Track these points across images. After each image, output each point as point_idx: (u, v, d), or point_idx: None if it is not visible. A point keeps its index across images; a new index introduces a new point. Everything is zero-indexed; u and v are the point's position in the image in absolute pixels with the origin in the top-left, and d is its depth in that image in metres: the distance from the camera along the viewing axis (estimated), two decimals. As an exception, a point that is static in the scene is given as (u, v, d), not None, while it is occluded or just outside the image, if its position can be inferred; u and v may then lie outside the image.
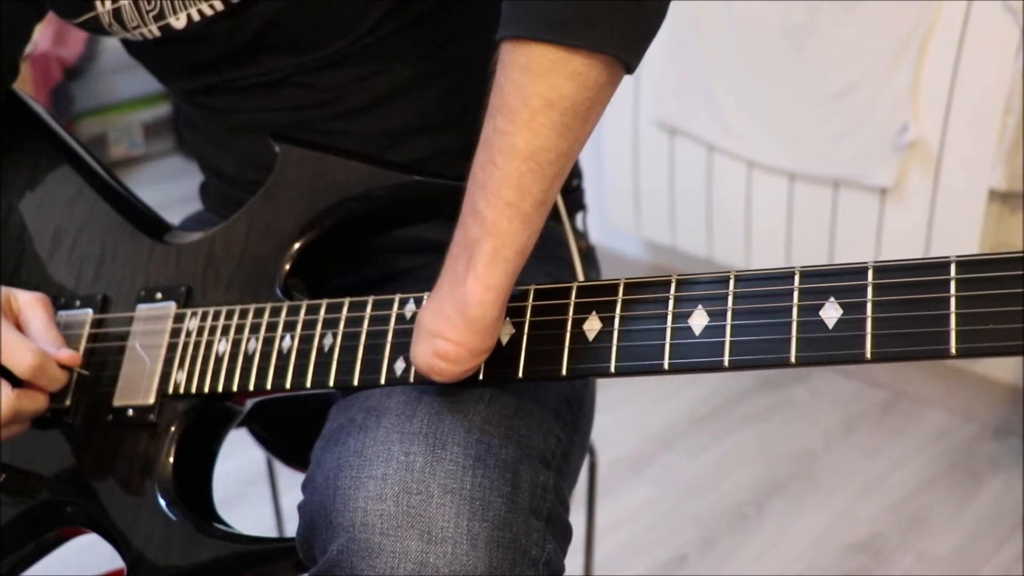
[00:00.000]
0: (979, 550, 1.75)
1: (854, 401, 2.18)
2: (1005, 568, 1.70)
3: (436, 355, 0.69)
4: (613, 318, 0.69)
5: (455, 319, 0.68)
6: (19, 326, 0.85)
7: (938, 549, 1.75)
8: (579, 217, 1.11)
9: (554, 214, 1.01)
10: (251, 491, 1.88)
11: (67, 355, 0.84)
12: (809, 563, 1.74)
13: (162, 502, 0.83)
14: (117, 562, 0.85)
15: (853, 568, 1.72)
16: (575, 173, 1.10)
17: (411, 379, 0.75)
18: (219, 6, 0.86)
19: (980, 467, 1.96)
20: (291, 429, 1.16)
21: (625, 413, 2.13)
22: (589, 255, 1.10)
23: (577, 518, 0.79)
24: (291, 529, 0.78)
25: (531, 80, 0.66)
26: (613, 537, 1.80)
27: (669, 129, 2.21)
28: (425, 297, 0.77)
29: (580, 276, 1.00)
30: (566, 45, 0.65)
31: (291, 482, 1.23)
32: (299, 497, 0.77)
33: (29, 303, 0.86)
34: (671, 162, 2.24)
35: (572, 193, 1.09)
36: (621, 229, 2.43)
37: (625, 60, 0.68)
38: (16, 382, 0.81)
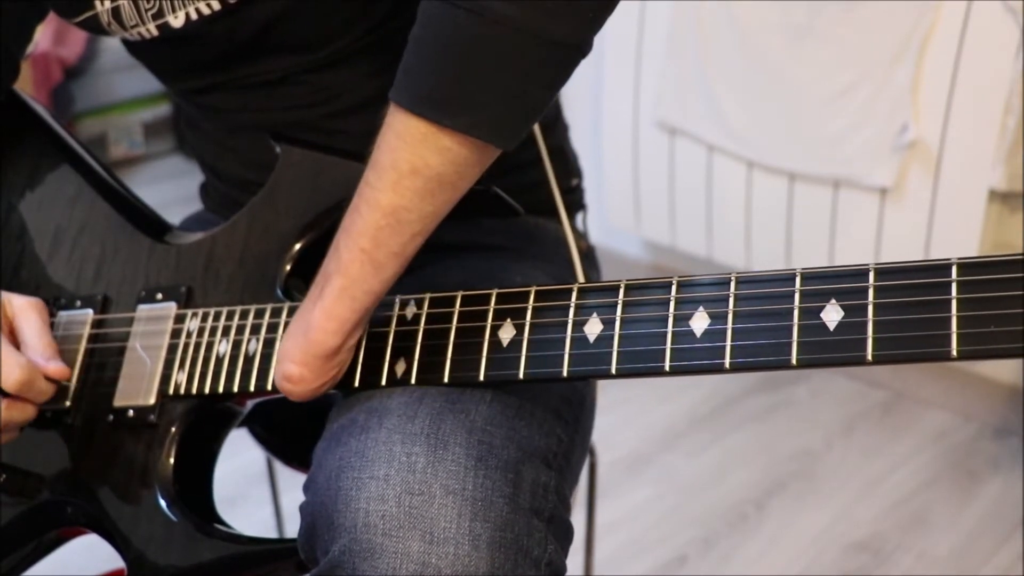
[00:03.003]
0: (979, 550, 1.75)
1: (854, 401, 2.18)
2: (1005, 568, 1.70)
3: (283, 377, 0.75)
4: (614, 320, 0.69)
5: (300, 341, 0.74)
6: (13, 331, 0.85)
7: (938, 549, 1.75)
8: (579, 217, 1.11)
9: (554, 214, 1.02)
10: (251, 491, 1.88)
11: (55, 368, 0.83)
12: (809, 563, 1.74)
13: (163, 503, 0.83)
14: (117, 562, 0.85)
15: (853, 568, 1.72)
16: (575, 173, 1.10)
17: (412, 380, 0.75)
18: (216, 5, 0.86)
19: (980, 467, 1.96)
20: (291, 429, 1.15)
21: (625, 413, 2.13)
22: (589, 255, 1.10)
23: (577, 518, 0.79)
24: (291, 529, 0.78)
25: (402, 146, 0.70)
26: (613, 537, 1.80)
27: (669, 129, 2.21)
28: (427, 298, 0.77)
29: (580, 276, 1.00)
30: (439, 124, 0.68)
31: (291, 482, 1.23)
32: (299, 498, 0.77)
33: (23, 309, 0.85)
34: (671, 162, 2.24)
35: (572, 193, 1.09)
36: (621, 229, 2.43)
37: (496, 145, 0.70)
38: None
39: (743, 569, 1.74)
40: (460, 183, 0.72)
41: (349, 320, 0.73)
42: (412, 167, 0.69)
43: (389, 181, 0.70)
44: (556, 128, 1.07)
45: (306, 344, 0.73)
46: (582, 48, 0.70)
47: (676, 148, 2.22)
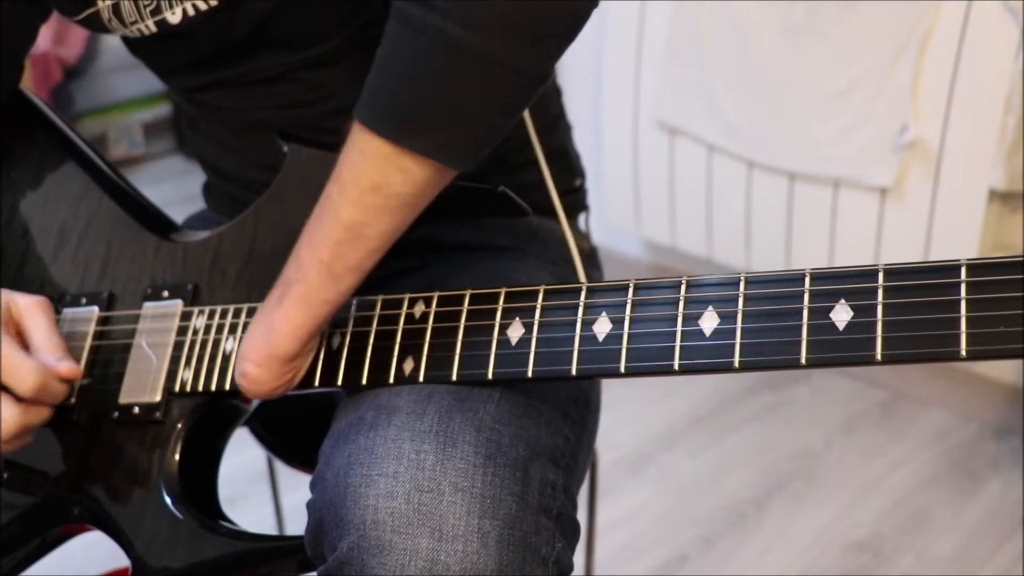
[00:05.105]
0: (979, 550, 1.75)
1: (854, 401, 2.18)
2: (1005, 568, 1.70)
3: (241, 374, 0.78)
4: (623, 319, 0.69)
5: (260, 342, 0.76)
6: (20, 333, 0.84)
7: (938, 549, 1.76)
8: (582, 218, 1.11)
9: (553, 215, 1.02)
10: (251, 491, 1.87)
11: (67, 369, 0.82)
12: (809, 563, 1.74)
13: (167, 500, 0.83)
14: (120, 560, 0.85)
15: (853, 568, 1.73)
16: (578, 173, 1.10)
17: (420, 378, 0.75)
18: (213, 2, 0.86)
19: (980, 467, 1.96)
20: (293, 429, 1.15)
21: (625, 413, 2.14)
22: (592, 256, 1.10)
23: (578, 518, 0.79)
24: (291, 528, 0.78)
25: (364, 163, 0.71)
26: (613, 537, 1.80)
27: (669, 129, 2.21)
28: (435, 297, 0.78)
29: (582, 277, 1.00)
30: (399, 144, 0.69)
31: (292, 482, 1.23)
32: (300, 496, 0.77)
33: (29, 309, 0.84)
34: (671, 162, 2.24)
35: (575, 193, 1.09)
36: (621, 229, 2.43)
37: (454, 167, 0.72)
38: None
39: (743, 569, 1.74)
40: (419, 203, 0.73)
41: (305, 327, 0.75)
42: (373, 184, 0.71)
43: (351, 196, 0.71)
44: (558, 128, 1.07)
45: (266, 346, 0.75)
46: (543, 76, 0.71)
47: (676, 148, 2.22)
